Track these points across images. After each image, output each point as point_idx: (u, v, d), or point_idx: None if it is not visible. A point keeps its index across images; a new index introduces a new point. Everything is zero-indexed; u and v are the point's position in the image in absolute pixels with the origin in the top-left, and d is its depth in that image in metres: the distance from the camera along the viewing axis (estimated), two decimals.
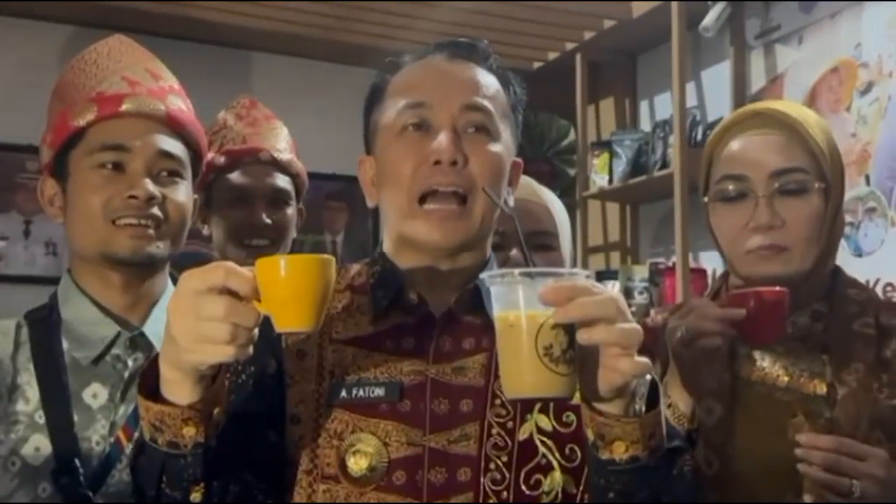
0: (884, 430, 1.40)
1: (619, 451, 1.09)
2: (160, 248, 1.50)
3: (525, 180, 1.98)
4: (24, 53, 3.67)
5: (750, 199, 1.51)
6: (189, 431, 1.07)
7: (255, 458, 1.19)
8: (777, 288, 1.43)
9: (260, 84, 4.13)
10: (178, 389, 1.07)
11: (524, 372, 1.03)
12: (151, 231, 1.49)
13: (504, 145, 1.30)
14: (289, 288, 1.04)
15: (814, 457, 1.34)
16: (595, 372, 1.06)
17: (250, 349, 1.05)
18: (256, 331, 1.05)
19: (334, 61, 4.13)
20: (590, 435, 1.12)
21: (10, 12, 3.68)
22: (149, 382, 1.09)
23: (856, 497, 1.32)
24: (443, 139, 1.25)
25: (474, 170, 1.26)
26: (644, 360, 1.04)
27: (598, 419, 1.09)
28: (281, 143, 2.25)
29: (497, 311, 1.05)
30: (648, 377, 1.12)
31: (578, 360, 1.04)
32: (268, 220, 2.15)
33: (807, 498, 1.41)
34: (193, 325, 1.02)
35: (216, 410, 1.10)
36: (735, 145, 1.54)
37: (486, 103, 1.29)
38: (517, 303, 1.03)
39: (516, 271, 1.05)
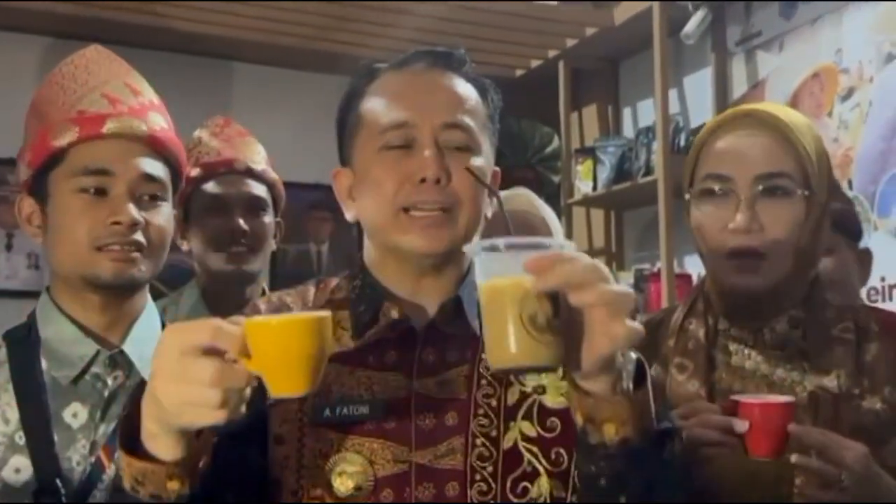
0: (866, 436, 1.40)
1: (610, 433, 1.08)
2: (142, 271, 1.49)
3: (525, 193, 2.02)
4: (1, 65, 3.65)
5: (732, 200, 1.49)
6: (173, 486, 1.03)
7: (237, 480, 1.17)
8: (784, 400, 1.38)
9: (240, 94, 4.13)
10: (162, 445, 1.02)
11: (509, 341, 1.02)
12: (134, 255, 1.47)
13: (485, 158, 1.30)
14: (283, 352, 0.97)
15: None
16: (581, 345, 1.03)
17: (243, 409, 1.00)
18: (249, 390, 1.00)
19: (314, 70, 4.13)
20: (579, 420, 1.10)
21: None
22: (128, 431, 1.05)
23: (844, 485, 1.31)
24: (427, 157, 1.24)
25: (457, 186, 1.25)
26: (637, 325, 1.02)
27: (586, 401, 1.08)
28: (255, 156, 2.30)
29: (481, 281, 1.05)
30: (634, 356, 1.11)
31: (564, 330, 1.03)
32: (245, 227, 2.19)
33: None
34: (179, 389, 0.97)
35: (202, 462, 1.06)
36: (722, 144, 1.53)
37: (467, 120, 1.28)
38: (502, 272, 1.03)
39: (501, 242, 1.04)
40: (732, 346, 1.53)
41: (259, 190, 2.24)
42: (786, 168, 1.49)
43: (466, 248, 1.07)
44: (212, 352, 0.97)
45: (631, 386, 1.08)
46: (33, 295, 1.59)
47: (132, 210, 1.47)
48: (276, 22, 3.69)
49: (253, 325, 0.97)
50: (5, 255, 3.68)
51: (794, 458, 1.34)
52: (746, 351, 1.52)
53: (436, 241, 1.24)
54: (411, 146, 1.26)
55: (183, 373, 0.96)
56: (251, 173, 2.24)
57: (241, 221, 2.18)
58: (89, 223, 1.46)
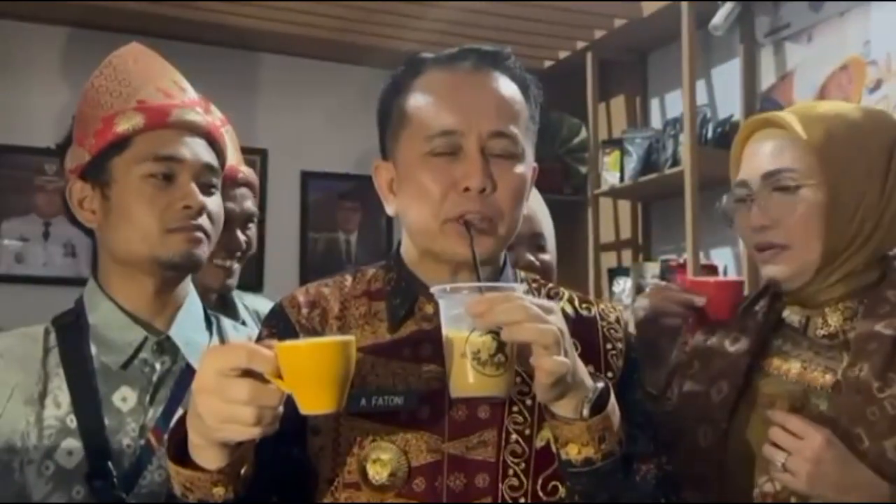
0: (868, 430, 1.42)
1: (573, 453, 1.18)
2: (205, 253, 1.56)
3: None
4: (38, 57, 3.70)
5: (751, 202, 1.59)
6: (219, 491, 1.12)
7: (280, 477, 1.23)
8: (732, 279, 1.53)
9: (271, 85, 4.16)
10: (207, 455, 1.11)
11: (458, 374, 1.17)
12: (201, 236, 1.54)
13: (527, 163, 1.34)
14: (312, 373, 1.07)
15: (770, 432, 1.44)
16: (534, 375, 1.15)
17: (277, 425, 1.09)
18: (282, 408, 1.08)
19: (344, 62, 4.16)
20: (551, 437, 1.21)
21: (18, 16, 3.71)
22: (176, 440, 1.14)
23: (780, 469, 1.40)
24: (473, 166, 1.27)
25: (500, 195, 1.29)
26: (563, 359, 1.12)
27: (552, 422, 1.19)
28: (237, 153, 2.23)
29: (442, 322, 1.19)
30: (600, 385, 1.19)
31: (511, 364, 1.16)
32: (243, 244, 2.19)
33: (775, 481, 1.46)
34: (219, 407, 1.06)
35: (244, 468, 1.14)
36: (745, 152, 1.63)
37: (512, 128, 1.30)
38: (457, 314, 1.17)
39: (448, 287, 1.18)
40: (786, 332, 1.60)
41: (252, 202, 2.23)
42: (789, 164, 1.55)
43: (433, 290, 1.20)
44: (247, 373, 1.05)
45: (587, 411, 1.17)
46: (69, 282, 1.63)
47: (199, 195, 1.54)
48: (307, 14, 3.72)
49: (285, 348, 1.07)
50: (42, 243, 3.71)
51: (769, 412, 1.46)
52: (796, 337, 1.58)
53: (478, 249, 1.27)
54: (457, 153, 1.28)
55: (221, 392, 1.05)
56: (249, 185, 2.21)
57: (241, 237, 2.18)
58: (161, 207, 1.52)
